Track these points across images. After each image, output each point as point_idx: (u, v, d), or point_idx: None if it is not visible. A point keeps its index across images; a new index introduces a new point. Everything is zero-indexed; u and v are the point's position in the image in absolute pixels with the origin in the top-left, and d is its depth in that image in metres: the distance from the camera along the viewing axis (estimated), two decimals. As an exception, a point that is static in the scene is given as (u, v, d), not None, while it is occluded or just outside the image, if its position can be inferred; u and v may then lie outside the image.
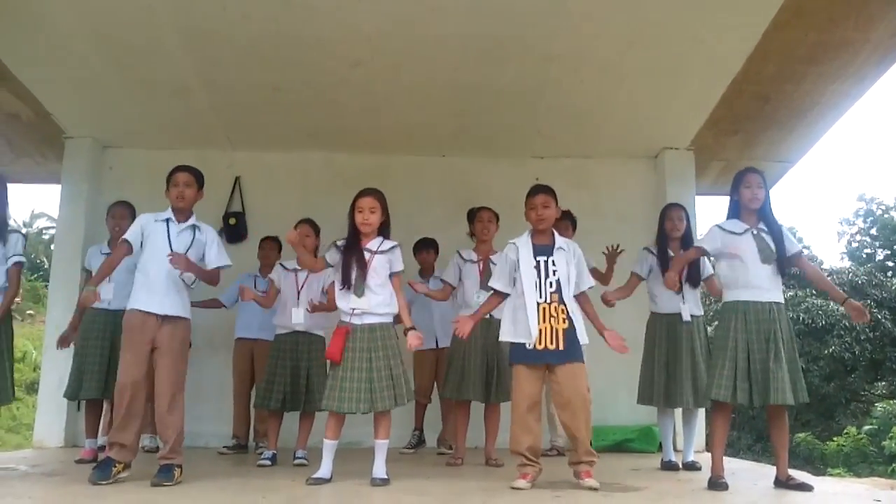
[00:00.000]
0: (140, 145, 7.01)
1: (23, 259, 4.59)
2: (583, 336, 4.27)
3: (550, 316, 4.21)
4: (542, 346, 4.17)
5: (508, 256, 4.43)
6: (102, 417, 5.63)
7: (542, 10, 5.03)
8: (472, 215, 5.50)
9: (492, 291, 4.56)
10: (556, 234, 4.45)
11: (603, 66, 5.74)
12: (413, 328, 4.36)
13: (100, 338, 5.30)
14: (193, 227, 4.41)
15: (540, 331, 4.18)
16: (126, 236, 4.37)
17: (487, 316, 5.15)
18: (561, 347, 4.17)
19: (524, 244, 4.39)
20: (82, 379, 5.29)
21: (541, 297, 4.24)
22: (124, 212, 5.49)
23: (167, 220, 4.37)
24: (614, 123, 6.70)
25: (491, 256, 5.32)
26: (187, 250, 4.31)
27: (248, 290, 5.15)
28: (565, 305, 4.23)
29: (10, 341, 4.56)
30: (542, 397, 4.34)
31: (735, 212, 4.46)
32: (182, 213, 4.40)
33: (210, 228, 4.52)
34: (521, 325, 4.24)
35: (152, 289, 4.25)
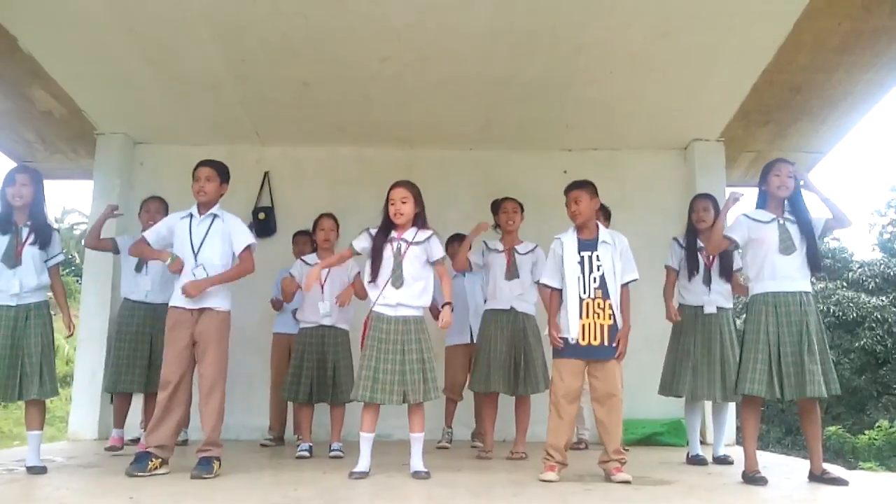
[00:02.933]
0: (171, 141, 7.08)
1: (62, 257, 4.63)
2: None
3: (594, 312, 4.23)
4: (586, 341, 4.21)
5: (555, 251, 4.45)
6: (143, 412, 5.70)
7: (571, 0, 5.00)
8: (497, 206, 5.48)
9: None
10: (600, 227, 4.44)
11: (632, 57, 5.70)
12: (450, 303, 4.37)
13: (138, 332, 5.43)
14: (213, 216, 4.44)
15: (583, 326, 4.20)
16: (147, 235, 4.48)
17: (508, 307, 5.22)
18: (605, 343, 4.20)
19: (569, 239, 4.41)
20: (119, 372, 5.39)
21: (584, 292, 4.27)
22: (158, 206, 5.61)
23: (190, 216, 4.45)
24: (643, 115, 6.65)
25: (517, 247, 5.34)
26: (204, 239, 4.36)
27: (288, 284, 5.27)
28: (610, 300, 4.24)
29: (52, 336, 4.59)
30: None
31: (763, 202, 4.44)
32: (205, 207, 4.47)
33: (233, 216, 4.52)
34: (564, 320, 4.29)
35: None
